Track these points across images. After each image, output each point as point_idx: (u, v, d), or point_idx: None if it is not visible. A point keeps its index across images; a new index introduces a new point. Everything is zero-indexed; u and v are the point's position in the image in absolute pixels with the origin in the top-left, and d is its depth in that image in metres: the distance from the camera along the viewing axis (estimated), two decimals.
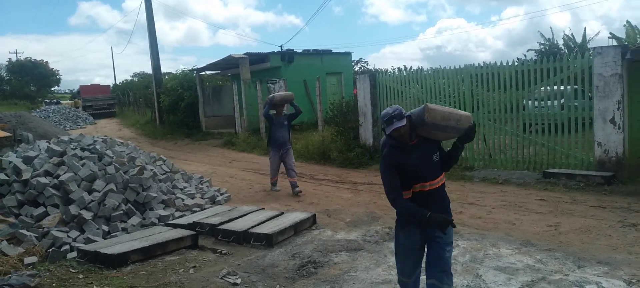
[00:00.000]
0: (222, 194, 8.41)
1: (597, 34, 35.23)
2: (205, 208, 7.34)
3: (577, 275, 4.21)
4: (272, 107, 8.36)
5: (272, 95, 8.56)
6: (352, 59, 25.45)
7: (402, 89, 10.78)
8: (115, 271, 4.93)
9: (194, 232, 5.90)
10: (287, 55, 19.13)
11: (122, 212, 6.46)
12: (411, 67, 23.34)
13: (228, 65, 19.87)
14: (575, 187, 7.54)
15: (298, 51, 19.91)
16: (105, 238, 5.86)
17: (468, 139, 3.26)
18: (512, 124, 9.33)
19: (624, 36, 18.43)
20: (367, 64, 37.35)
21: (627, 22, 18.78)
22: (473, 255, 4.84)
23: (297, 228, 6.01)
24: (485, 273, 4.37)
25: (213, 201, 7.94)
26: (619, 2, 78.13)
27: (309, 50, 20.36)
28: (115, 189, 6.66)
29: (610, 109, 7.68)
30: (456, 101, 9.87)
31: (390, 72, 12.06)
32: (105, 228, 6.11)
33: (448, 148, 3.37)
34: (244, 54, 18.14)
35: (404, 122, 3.03)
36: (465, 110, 9.63)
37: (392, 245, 5.31)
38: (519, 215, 6.32)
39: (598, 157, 7.89)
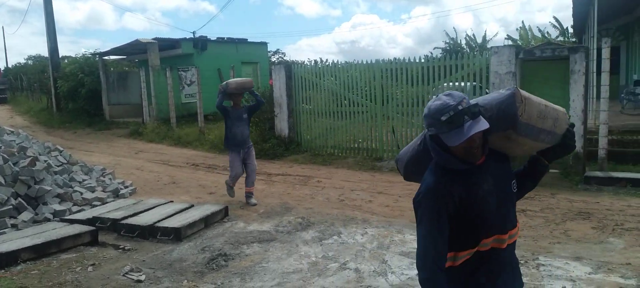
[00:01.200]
0: (126, 187, 7.93)
1: (496, 34, 38.36)
2: (106, 202, 6.88)
3: None
4: (227, 97, 6.81)
5: (225, 82, 6.84)
6: (269, 50, 25.27)
7: (317, 81, 10.89)
8: (3, 271, 4.49)
9: (94, 228, 5.50)
10: (201, 42, 18.48)
11: (11, 207, 5.87)
12: (327, 60, 23.72)
13: (135, 50, 18.74)
14: None
15: (212, 39, 19.33)
16: None
17: (566, 151, 1.99)
18: (418, 117, 9.81)
19: (518, 38, 20.20)
20: (285, 55, 37.33)
21: (522, 23, 20.57)
22: (380, 242, 5.03)
23: (207, 221, 5.84)
24: (390, 258, 4.55)
25: (116, 194, 7.46)
26: (516, 6, 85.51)
27: (223, 38, 19.85)
28: (3, 182, 6.04)
29: None
30: (368, 94, 10.17)
31: (306, 64, 12.11)
32: None
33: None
34: (153, 38, 17.23)
35: (484, 123, 1.71)
36: (376, 103, 10.02)
37: (304, 234, 5.38)
38: None
39: None
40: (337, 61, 11.08)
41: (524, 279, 3.97)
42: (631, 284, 3.88)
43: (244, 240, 5.27)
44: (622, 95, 12.86)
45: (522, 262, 4.38)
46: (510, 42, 19.78)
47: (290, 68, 11.45)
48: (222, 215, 6.16)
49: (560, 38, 19.45)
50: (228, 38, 19.96)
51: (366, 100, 10.20)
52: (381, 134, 10.04)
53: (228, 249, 4.99)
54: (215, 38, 19.54)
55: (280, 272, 4.36)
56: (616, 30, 14.22)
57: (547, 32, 19.26)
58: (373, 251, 4.78)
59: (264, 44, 21.51)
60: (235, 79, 7.02)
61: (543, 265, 4.31)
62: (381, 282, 4.04)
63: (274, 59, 33.86)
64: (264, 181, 8.48)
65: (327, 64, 11.25)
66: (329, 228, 5.57)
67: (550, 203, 6.44)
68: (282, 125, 11.31)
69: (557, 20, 19.32)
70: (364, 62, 10.32)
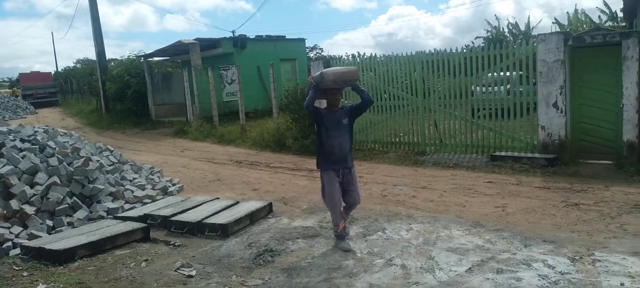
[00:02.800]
0: (174, 185, 8.18)
1: (540, 21, 36.90)
2: (156, 200, 7.12)
3: (524, 253, 4.41)
4: (320, 93, 4.82)
5: (319, 72, 4.73)
6: (306, 46, 25.39)
7: None
8: (61, 267, 4.69)
9: (145, 225, 5.70)
10: (240, 41, 18.78)
11: (67, 205, 6.15)
12: (364, 54, 23.57)
13: (177, 51, 19.28)
14: (521, 169, 7.88)
15: (251, 37, 19.61)
16: (50, 234, 5.56)
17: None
18: (461, 110, 9.61)
19: (566, 23, 19.35)
20: (322, 51, 37.36)
21: (575, 7, 19.72)
22: (426, 238, 4.96)
23: (253, 217, 5.94)
24: (437, 254, 4.49)
25: (165, 192, 7.71)
26: None
27: (262, 36, 20.08)
28: (59, 182, 6.33)
29: (553, 94, 8.05)
30: (408, 87, 10.04)
31: (344, 58, 12.08)
32: (50, 223, 5.80)
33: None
34: (194, 39, 17.64)
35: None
36: (417, 96, 9.86)
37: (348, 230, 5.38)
38: (468, 198, 6.53)
39: (542, 140, 8.27)
40: (375, 54, 10.99)
41: (579, 276, 3.84)
42: None
43: (288, 236, 5.33)
44: None
45: (577, 257, 4.23)
46: (557, 27, 19.00)
47: (329, 63, 11.44)
48: (266, 211, 6.25)
49: (609, 23, 18.50)
50: (266, 36, 20.18)
51: (407, 93, 10.07)
52: (423, 128, 9.90)
53: (274, 245, 5.06)
54: (254, 36, 19.80)
55: (326, 268, 4.38)
56: None
57: (600, 16, 18.34)
58: (419, 247, 4.73)
59: (302, 40, 21.61)
60: (333, 68, 4.90)
61: (599, 260, 4.14)
62: (429, 278, 3.99)
63: (311, 55, 33.97)
64: (306, 177, 8.54)
65: (366, 57, 11.18)
66: (373, 224, 5.55)
67: (605, 196, 6.17)
68: None
69: (605, 4, 18.34)
70: (404, 55, 10.19)
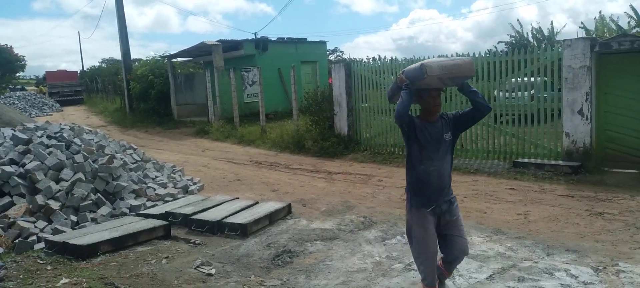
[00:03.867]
0: (195, 184, 8.28)
1: (564, 26, 36.24)
2: (177, 198, 7.22)
3: (547, 262, 4.33)
4: (417, 97, 3.36)
5: (418, 65, 3.26)
6: (327, 48, 25.42)
7: (377, 79, 10.82)
8: (84, 262, 4.79)
9: (167, 222, 5.79)
10: (262, 43, 18.93)
11: (91, 201, 6.29)
12: (385, 57, 23.49)
13: (200, 53, 19.53)
14: (544, 177, 7.74)
15: (272, 39, 19.73)
16: (73, 229, 5.70)
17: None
18: None
19: (593, 29, 18.92)
20: (343, 54, 37.41)
21: (600, 13, 19.27)
22: None
23: (272, 218, 5.98)
24: None
25: (186, 191, 7.81)
26: None
27: (283, 39, 20.20)
28: (83, 178, 6.48)
29: (578, 101, 7.89)
30: None
31: (365, 61, 12.07)
32: (74, 218, 5.94)
33: None
34: (217, 40, 17.84)
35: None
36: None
37: (366, 234, 5.38)
38: (490, 204, 6.45)
39: (566, 147, 8.11)
40: (396, 58, 10.95)
41: (603, 286, 3.76)
42: None
43: (307, 238, 5.34)
44: None
45: (600, 268, 4.13)
46: (583, 32, 18.59)
47: (350, 66, 11.45)
48: (285, 212, 6.28)
49: (637, 29, 18.01)
50: (288, 38, 20.28)
51: None
52: None
53: (292, 246, 5.08)
54: (275, 38, 19.93)
55: (345, 271, 4.38)
56: None
57: (629, 22, 17.88)
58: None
59: (323, 43, 21.66)
60: (438, 59, 3.38)
61: (623, 271, 4.04)
62: (449, 284, 3.95)
63: (332, 57, 34.01)
64: (325, 179, 8.55)
65: (387, 61, 11.15)
66: (392, 228, 5.52)
67: (630, 205, 6.01)
68: (341, 123, 11.34)
69: (633, 8, 17.87)
70: (425, 59, 10.11)
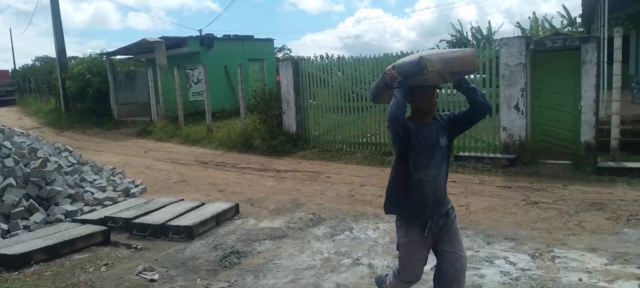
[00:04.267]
0: (137, 186, 7.96)
1: (501, 25, 38.20)
2: (118, 202, 6.90)
3: (487, 251, 4.50)
4: (409, 95, 2.82)
5: (415, 58, 2.72)
6: (275, 46, 25.28)
7: (325, 77, 10.86)
8: (16, 273, 4.49)
9: (106, 228, 5.52)
10: (207, 40, 18.49)
11: (23, 208, 5.90)
12: (332, 55, 23.66)
13: (142, 50, 18.80)
14: (483, 169, 8.07)
15: (218, 36, 19.33)
16: (4, 238, 5.32)
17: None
18: None
19: (528, 28, 19.98)
20: (291, 52, 37.31)
21: (533, 14, 20.34)
22: (392, 237, 4.99)
23: (219, 219, 5.84)
24: None
25: (127, 194, 7.49)
26: None
27: (229, 36, 19.84)
28: (14, 184, 6.06)
29: (514, 96, 8.27)
30: None
31: (312, 59, 12.08)
32: (4, 226, 5.55)
33: None
34: (160, 37, 17.26)
35: None
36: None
37: (315, 231, 5.37)
38: None
39: (503, 141, 8.49)
40: (344, 56, 11.05)
41: (539, 272, 3.95)
42: None
43: (255, 238, 5.27)
44: (633, 84, 12.69)
45: (537, 254, 4.35)
46: (519, 32, 19.58)
47: (297, 64, 11.42)
48: (233, 212, 6.16)
49: (568, 28, 19.24)
50: (234, 35, 19.95)
51: None
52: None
53: (240, 247, 4.99)
54: (221, 35, 19.53)
55: (293, 269, 4.35)
56: (626, 19, 14.03)
57: (562, 22, 19.02)
58: (385, 246, 4.76)
59: (270, 41, 21.48)
60: (437, 51, 2.91)
61: (558, 257, 4.27)
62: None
63: (279, 55, 33.87)
64: (274, 178, 8.48)
65: (334, 59, 11.22)
66: (341, 224, 5.55)
67: (563, 194, 6.38)
68: (289, 121, 11.30)
69: (565, 9, 19.07)
70: (371, 57, 10.27)
